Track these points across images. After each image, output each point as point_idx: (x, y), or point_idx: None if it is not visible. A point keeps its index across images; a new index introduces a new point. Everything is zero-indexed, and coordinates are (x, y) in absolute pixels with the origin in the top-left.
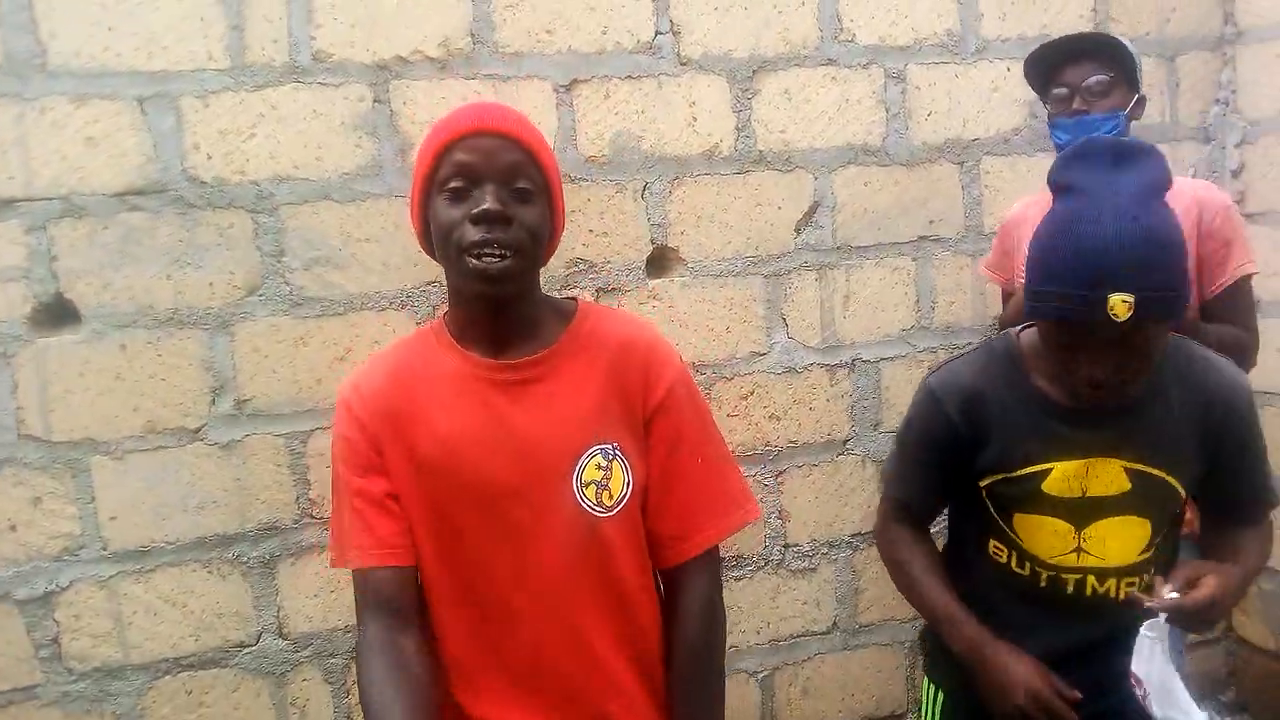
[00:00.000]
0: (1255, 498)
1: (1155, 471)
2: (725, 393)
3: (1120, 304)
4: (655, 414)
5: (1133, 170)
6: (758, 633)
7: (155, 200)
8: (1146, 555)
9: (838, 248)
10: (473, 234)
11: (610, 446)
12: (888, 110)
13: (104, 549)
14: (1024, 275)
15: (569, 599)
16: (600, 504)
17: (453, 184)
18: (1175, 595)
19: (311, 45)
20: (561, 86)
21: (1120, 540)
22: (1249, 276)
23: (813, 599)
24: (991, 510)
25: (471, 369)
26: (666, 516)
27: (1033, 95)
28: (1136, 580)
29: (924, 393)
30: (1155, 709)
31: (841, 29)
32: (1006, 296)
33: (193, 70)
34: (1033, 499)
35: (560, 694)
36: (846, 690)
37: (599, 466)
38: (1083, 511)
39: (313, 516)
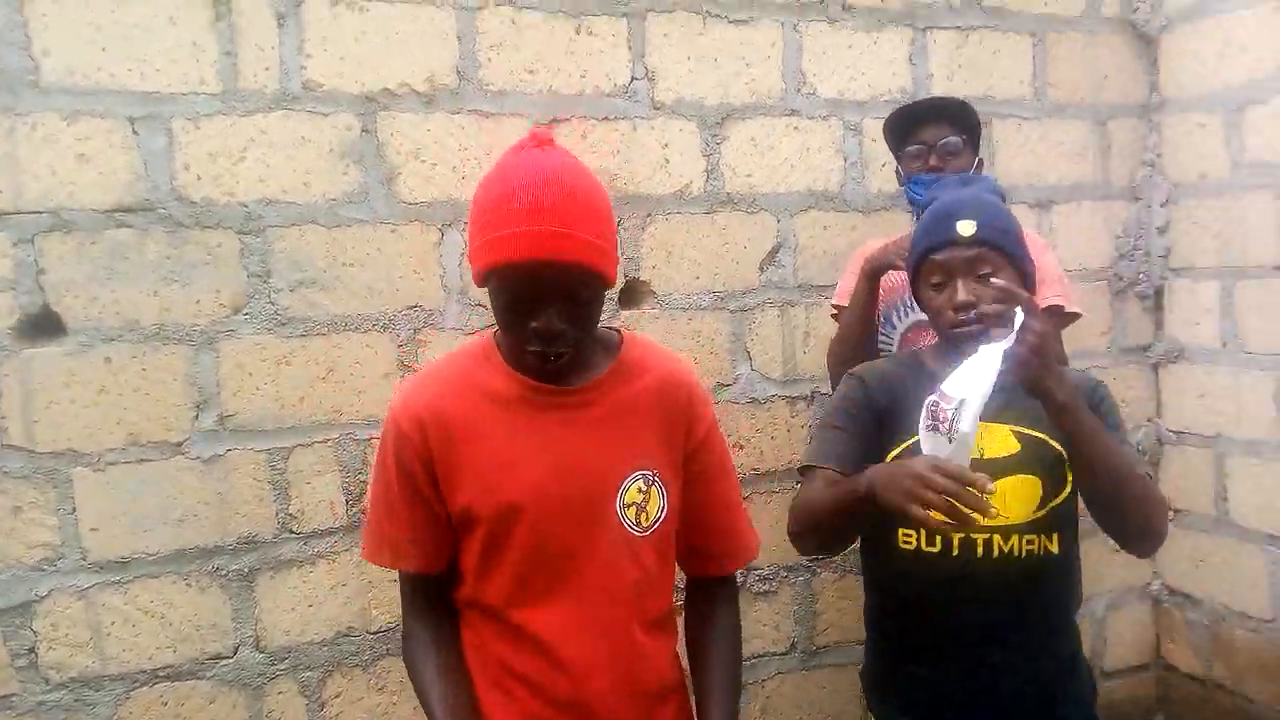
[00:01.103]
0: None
1: (1038, 434)
2: None
3: (966, 225)
4: (699, 448)
5: (975, 185)
6: None
7: (144, 218)
8: (1042, 514)
9: (799, 286)
10: (534, 342)
11: (650, 473)
12: (846, 159)
13: (83, 559)
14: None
15: (608, 611)
16: (638, 524)
17: (508, 298)
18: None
19: (302, 74)
20: (541, 125)
21: (1018, 498)
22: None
23: (772, 621)
24: None
25: (524, 392)
26: (714, 534)
27: None
28: (1036, 539)
29: (846, 376)
30: (962, 424)
31: (804, 82)
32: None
33: (185, 93)
34: None
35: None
36: (804, 710)
37: (640, 490)
38: (983, 471)
39: (292, 531)
